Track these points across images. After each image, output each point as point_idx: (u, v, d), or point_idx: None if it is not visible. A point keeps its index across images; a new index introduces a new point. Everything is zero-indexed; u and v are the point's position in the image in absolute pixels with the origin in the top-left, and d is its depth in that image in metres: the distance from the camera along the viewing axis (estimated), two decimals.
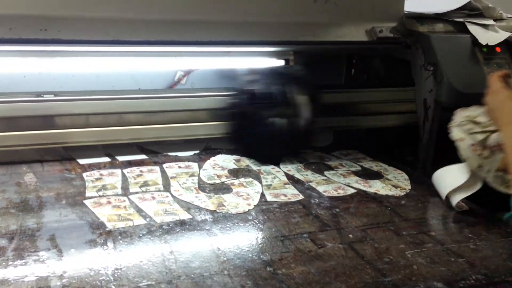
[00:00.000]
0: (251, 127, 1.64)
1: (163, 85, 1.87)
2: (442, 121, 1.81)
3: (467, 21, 1.85)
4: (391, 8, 1.87)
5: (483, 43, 1.79)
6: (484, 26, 1.86)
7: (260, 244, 1.18)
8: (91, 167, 1.54)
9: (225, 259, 1.10)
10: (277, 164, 1.65)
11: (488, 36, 1.83)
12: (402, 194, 1.49)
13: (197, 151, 1.72)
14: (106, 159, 1.60)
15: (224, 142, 1.75)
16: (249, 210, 1.33)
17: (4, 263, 1.04)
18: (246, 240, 1.19)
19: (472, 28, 1.83)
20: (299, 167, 1.63)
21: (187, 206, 1.33)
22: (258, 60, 1.87)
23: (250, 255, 1.12)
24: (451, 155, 1.89)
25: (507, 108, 1.22)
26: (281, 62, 1.86)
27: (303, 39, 1.76)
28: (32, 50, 1.46)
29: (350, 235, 1.23)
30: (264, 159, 1.65)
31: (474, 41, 1.79)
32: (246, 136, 1.66)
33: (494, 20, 1.91)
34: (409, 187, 1.54)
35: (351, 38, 1.81)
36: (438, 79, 1.75)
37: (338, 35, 1.79)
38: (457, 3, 1.91)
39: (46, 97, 1.57)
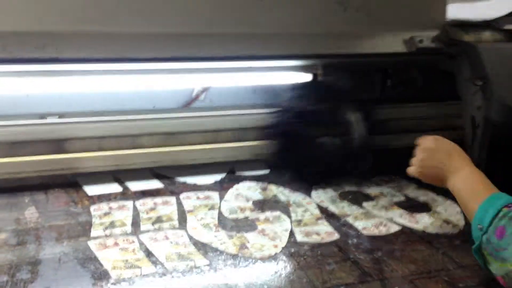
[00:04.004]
0: (299, 147, 1.49)
1: (179, 103, 1.73)
2: (492, 141, 1.63)
3: None
4: (431, 15, 1.67)
5: None
6: None
7: None
8: (100, 198, 1.38)
9: None
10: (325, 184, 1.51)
11: None
12: (455, 231, 1.28)
13: (219, 179, 1.53)
14: (117, 189, 1.44)
15: (249, 165, 1.59)
16: (275, 253, 1.15)
17: None
18: None
19: None
20: (333, 197, 1.44)
21: (205, 249, 1.15)
22: (282, 75, 1.70)
23: None
24: (502, 179, 1.71)
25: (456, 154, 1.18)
26: (308, 77, 1.68)
27: (333, 52, 1.57)
28: (29, 70, 1.30)
29: None
30: (314, 181, 1.50)
31: None
32: (293, 157, 1.50)
33: None
34: (463, 222, 1.32)
35: (387, 49, 1.62)
36: (487, 94, 1.55)
37: (373, 46, 1.61)
38: (505, 9, 1.71)
39: (49, 119, 1.42)
